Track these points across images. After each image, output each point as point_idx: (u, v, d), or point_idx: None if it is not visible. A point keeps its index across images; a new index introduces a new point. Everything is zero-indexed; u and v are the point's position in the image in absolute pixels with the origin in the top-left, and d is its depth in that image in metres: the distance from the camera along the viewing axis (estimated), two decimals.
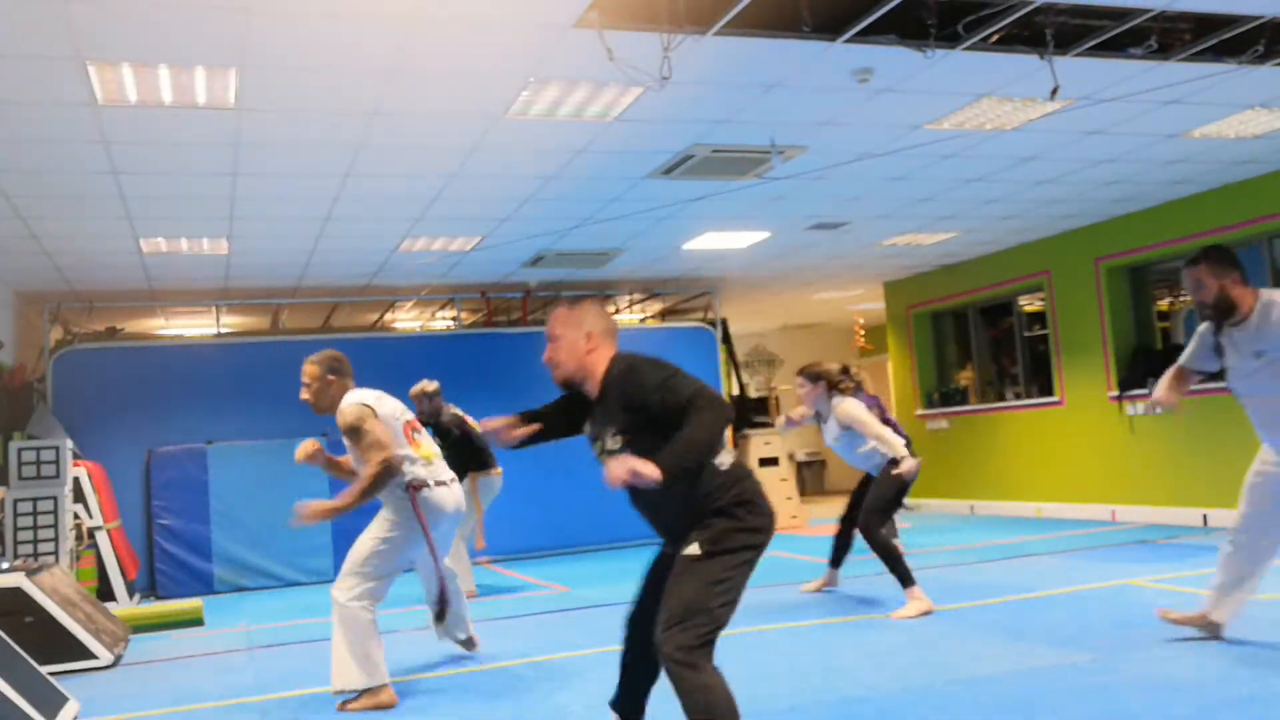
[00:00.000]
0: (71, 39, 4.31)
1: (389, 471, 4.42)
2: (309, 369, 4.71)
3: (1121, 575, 6.52)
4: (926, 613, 5.66)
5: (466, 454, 7.33)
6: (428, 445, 4.92)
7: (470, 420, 7.64)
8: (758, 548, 2.96)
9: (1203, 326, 4.44)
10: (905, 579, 5.82)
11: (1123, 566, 6.90)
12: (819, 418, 6.48)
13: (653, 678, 3.36)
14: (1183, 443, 9.02)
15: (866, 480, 6.56)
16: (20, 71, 4.62)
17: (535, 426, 3.25)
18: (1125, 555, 7.47)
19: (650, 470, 2.72)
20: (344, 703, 4.45)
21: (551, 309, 3.17)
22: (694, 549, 2.89)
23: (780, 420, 6.80)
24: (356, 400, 4.61)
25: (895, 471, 6.10)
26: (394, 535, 4.60)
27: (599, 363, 3.11)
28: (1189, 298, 4.25)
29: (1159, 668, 4.17)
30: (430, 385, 7.50)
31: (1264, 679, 3.87)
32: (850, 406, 6.21)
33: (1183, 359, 4.53)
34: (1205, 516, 8.80)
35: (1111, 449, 9.84)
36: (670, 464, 2.76)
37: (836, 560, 6.73)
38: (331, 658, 4.45)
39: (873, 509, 6.09)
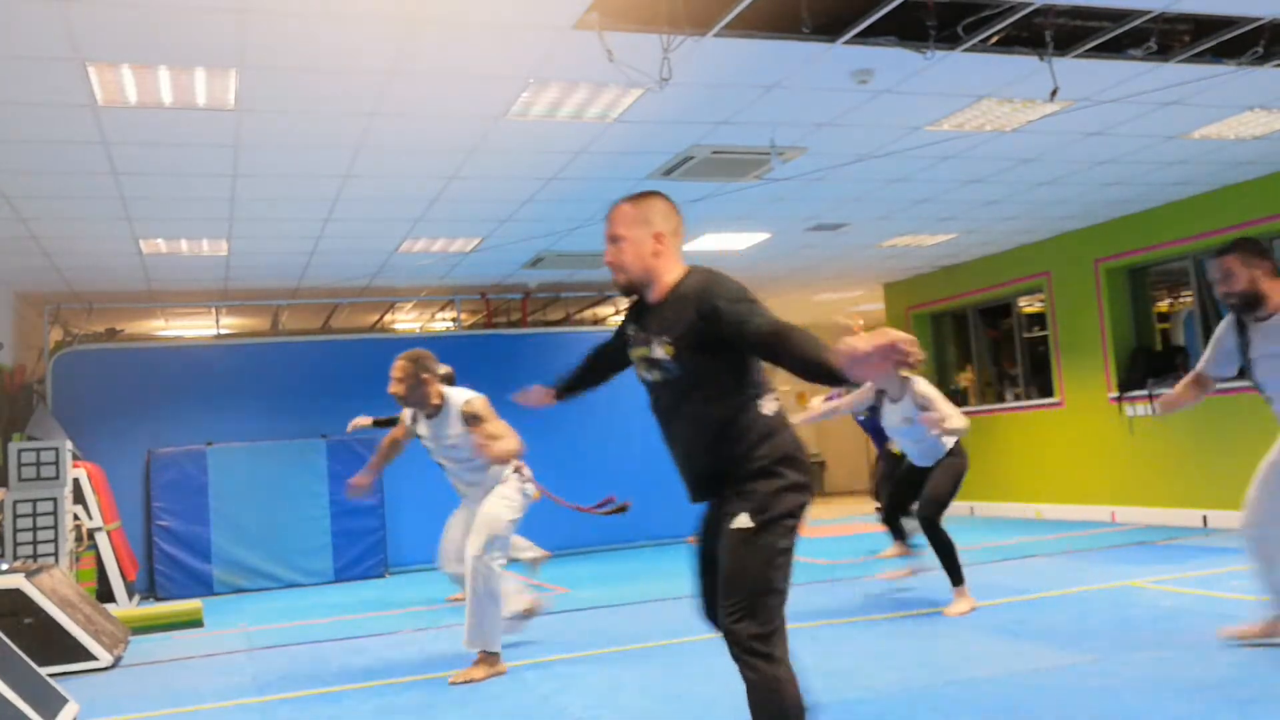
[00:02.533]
0: (71, 40, 4.31)
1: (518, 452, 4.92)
2: (401, 364, 5.18)
3: (1121, 576, 6.52)
4: (970, 610, 5.66)
5: None
6: None
7: None
8: (806, 506, 2.73)
9: (1221, 329, 4.36)
10: (957, 577, 5.78)
11: (1123, 568, 6.90)
12: (880, 400, 6.04)
13: None
14: (1183, 444, 9.02)
15: (905, 472, 6.33)
16: (20, 72, 4.62)
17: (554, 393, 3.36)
18: (1125, 556, 7.47)
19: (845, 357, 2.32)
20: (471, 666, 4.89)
21: (614, 207, 3.02)
22: (743, 520, 2.64)
23: (817, 404, 6.56)
24: (474, 395, 5.23)
25: (951, 459, 5.92)
26: (518, 504, 5.20)
27: (667, 268, 2.85)
28: (1217, 288, 4.20)
29: (1159, 669, 4.17)
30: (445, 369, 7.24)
31: (1265, 680, 3.87)
32: (926, 384, 5.89)
33: (1201, 365, 4.46)
34: (1205, 518, 8.80)
35: (1111, 450, 9.83)
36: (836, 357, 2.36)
37: (900, 533, 6.57)
38: (467, 620, 4.91)
39: (934, 499, 5.86)
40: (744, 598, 2.60)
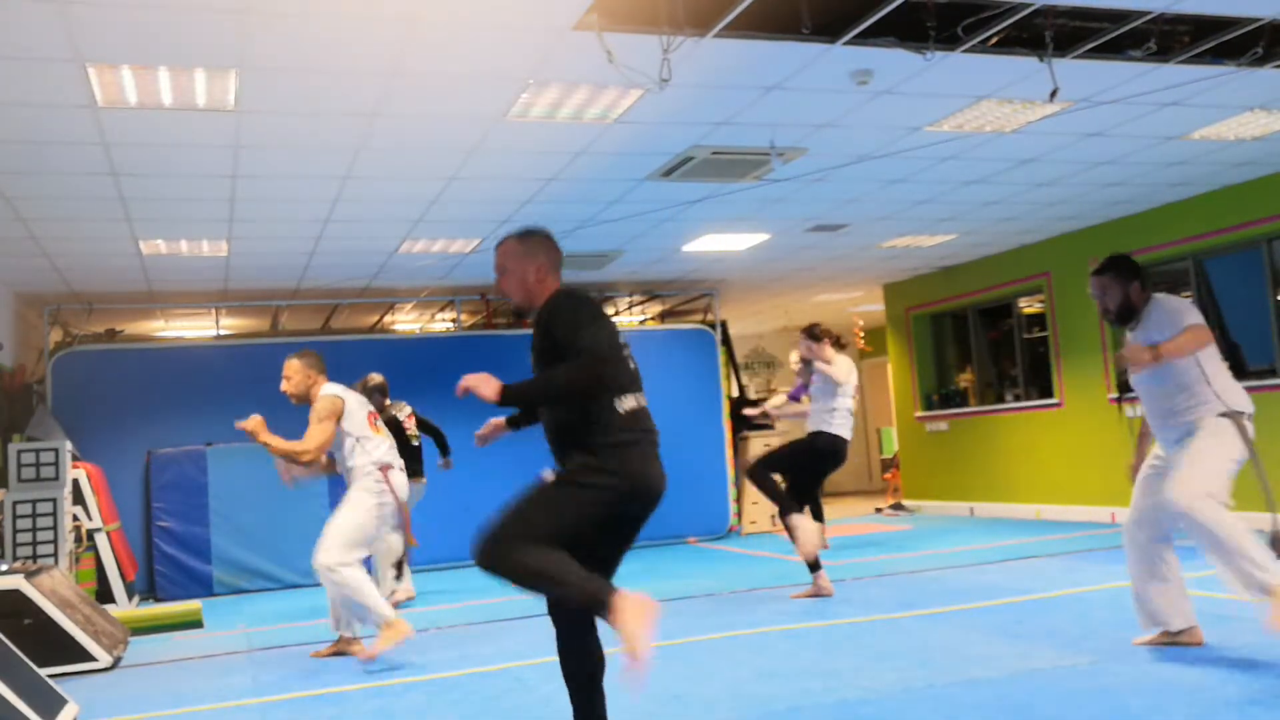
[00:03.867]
0: (71, 41, 4.31)
1: (300, 458, 5.40)
2: (291, 363, 5.71)
3: (1121, 577, 6.50)
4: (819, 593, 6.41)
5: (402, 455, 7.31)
6: (387, 433, 5.86)
7: (412, 424, 7.91)
8: (608, 493, 3.02)
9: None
10: (785, 510, 6.53)
11: (1123, 569, 6.87)
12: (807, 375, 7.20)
13: (599, 676, 3.45)
14: None
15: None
16: (20, 73, 4.62)
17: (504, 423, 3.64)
18: (1125, 557, 7.46)
19: (489, 389, 2.94)
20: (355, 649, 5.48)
21: (501, 243, 3.36)
22: (548, 474, 3.06)
23: (770, 410, 7.34)
24: (332, 392, 5.62)
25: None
26: (374, 509, 5.52)
27: (545, 294, 3.26)
28: (1097, 304, 4.62)
29: (1159, 670, 4.17)
30: (374, 378, 7.52)
31: (1265, 680, 3.87)
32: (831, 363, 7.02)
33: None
34: None
35: (1111, 451, 9.83)
36: (513, 390, 2.98)
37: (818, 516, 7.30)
38: (330, 613, 5.51)
39: (778, 456, 6.89)
40: (497, 519, 3.02)
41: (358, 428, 5.61)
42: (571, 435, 3.09)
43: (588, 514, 3.04)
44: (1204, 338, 4.29)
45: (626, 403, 3.11)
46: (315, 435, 5.43)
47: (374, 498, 5.52)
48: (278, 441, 5.36)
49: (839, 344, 7.07)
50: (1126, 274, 4.46)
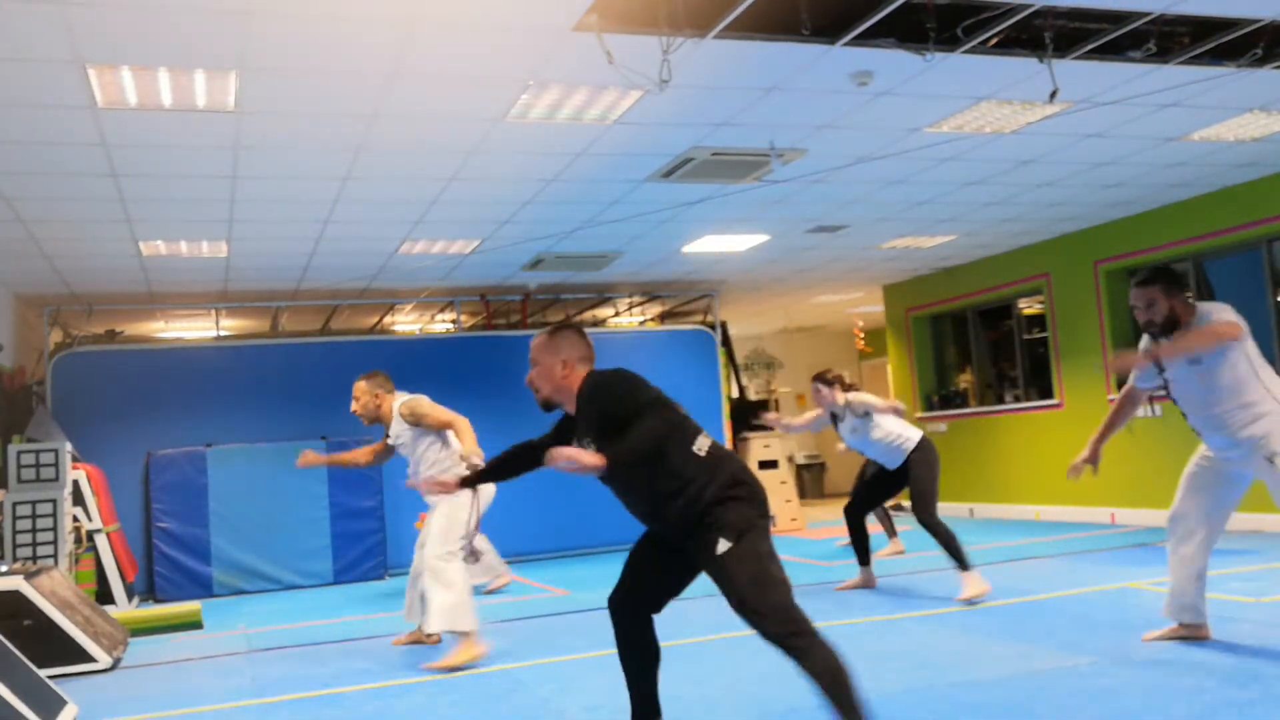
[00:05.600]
0: (71, 42, 4.31)
1: (464, 437, 5.41)
2: (359, 385, 5.85)
3: (1122, 578, 6.52)
4: (984, 593, 6.05)
5: None
6: None
7: None
8: (766, 515, 3.21)
9: (1142, 346, 4.65)
10: (963, 563, 6.17)
11: (1123, 569, 6.90)
12: (835, 420, 6.85)
13: (654, 666, 3.53)
14: (1182, 446, 8.98)
15: (872, 474, 6.94)
16: (20, 74, 4.62)
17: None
18: (1125, 558, 7.47)
19: (593, 460, 2.94)
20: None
21: (538, 332, 3.50)
22: (723, 545, 3.07)
23: (773, 418, 7.22)
24: (410, 396, 5.76)
25: (917, 455, 6.53)
26: (469, 505, 5.52)
27: (575, 385, 3.35)
28: (1138, 315, 4.50)
29: (1160, 670, 4.17)
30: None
31: (1265, 681, 3.87)
32: (860, 395, 6.72)
33: (1131, 380, 4.77)
34: None
35: (1111, 452, 9.75)
36: (614, 454, 2.99)
37: (864, 558, 6.90)
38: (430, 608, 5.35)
39: (920, 498, 6.40)
40: (754, 599, 3.03)
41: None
42: (686, 493, 3.16)
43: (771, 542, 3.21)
44: (1225, 332, 4.19)
45: (703, 443, 3.24)
46: (452, 414, 5.57)
47: (468, 494, 5.47)
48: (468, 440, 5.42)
49: (846, 386, 6.88)
50: (1175, 286, 4.38)
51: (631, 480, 3.24)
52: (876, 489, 6.96)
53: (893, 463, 6.65)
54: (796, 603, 3.04)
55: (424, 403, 5.71)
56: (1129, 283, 10.54)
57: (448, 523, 5.50)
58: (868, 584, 6.86)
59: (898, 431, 6.59)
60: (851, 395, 6.70)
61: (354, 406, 5.85)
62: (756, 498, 3.18)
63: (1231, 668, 4.12)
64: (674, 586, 3.42)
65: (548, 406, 3.44)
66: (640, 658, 3.49)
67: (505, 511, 8.85)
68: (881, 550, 8.43)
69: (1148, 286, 4.41)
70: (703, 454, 3.19)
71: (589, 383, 3.31)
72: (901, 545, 8.64)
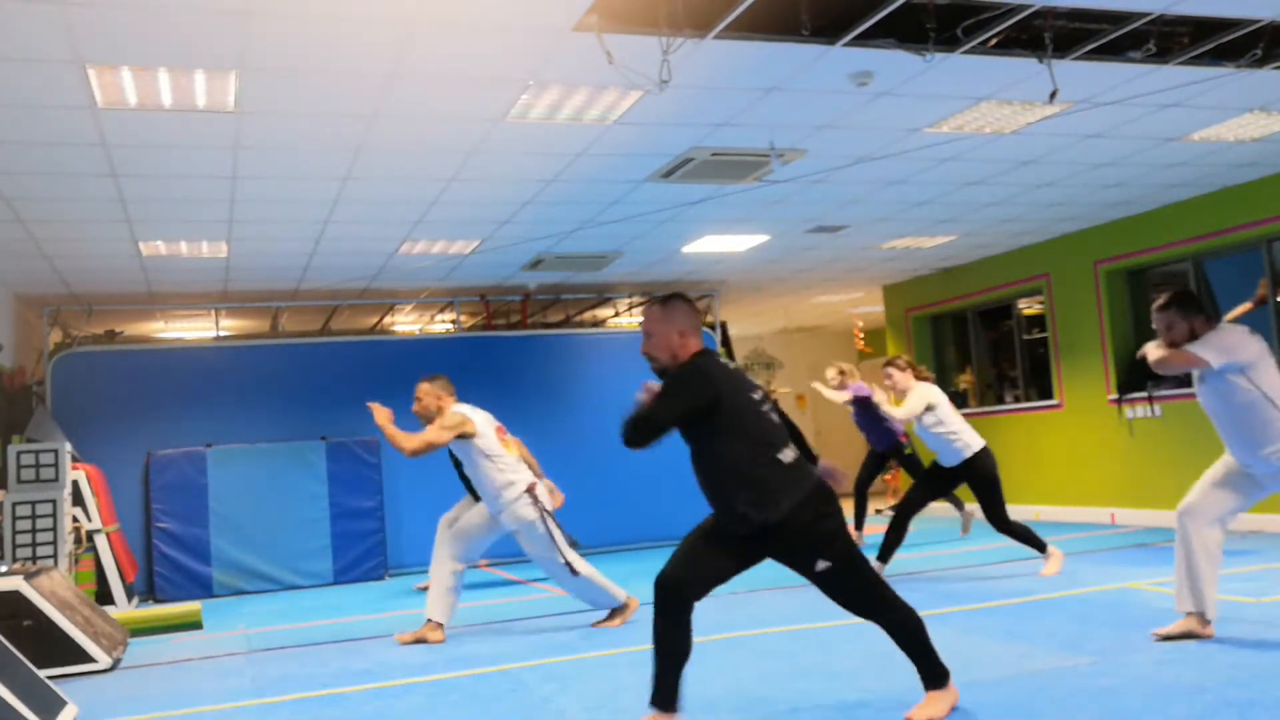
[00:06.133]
0: (71, 42, 4.31)
1: (400, 446, 5.65)
2: (423, 386, 6.02)
3: (1121, 578, 6.52)
4: (1061, 568, 6.68)
5: None
6: (515, 447, 6.13)
7: None
8: (843, 522, 3.62)
9: None
10: (1040, 546, 6.73)
11: (1123, 569, 6.89)
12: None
13: (688, 654, 3.61)
14: (1182, 446, 9.02)
15: (925, 474, 7.30)
16: (20, 74, 4.63)
17: None
18: (1125, 558, 7.47)
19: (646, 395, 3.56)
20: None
21: (645, 307, 3.78)
22: (823, 564, 3.52)
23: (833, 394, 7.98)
24: (462, 410, 5.90)
25: (977, 462, 6.83)
26: (540, 521, 5.93)
27: (688, 355, 3.65)
28: (1161, 336, 4.69)
29: (1160, 671, 4.17)
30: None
31: (1265, 682, 3.86)
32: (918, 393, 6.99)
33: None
34: None
35: (1111, 452, 9.83)
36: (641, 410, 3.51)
37: (885, 555, 6.98)
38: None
39: (990, 511, 6.74)
40: (867, 598, 3.62)
41: (491, 445, 5.87)
42: (762, 493, 3.50)
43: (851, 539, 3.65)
44: (1189, 360, 4.48)
45: (787, 454, 3.56)
46: (427, 436, 5.71)
47: (534, 513, 5.88)
48: (392, 429, 5.67)
49: (919, 375, 7.13)
50: (1190, 309, 4.60)
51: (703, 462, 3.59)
52: (932, 486, 7.19)
53: (948, 460, 6.90)
54: (882, 582, 3.70)
55: (443, 416, 5.86)
56: (1129, 283, 10.59)
57: (557, 538, 5.98)
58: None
59: (958, 431, 6.84)
60: (907, 390, 6.97)
61: (415, 407, 5.99)
62: (834, 511, 3.57)
63: (1231, 668, 4.12)
64: (727, 574, 3.65)
65: (663, 374, 3.66)
66: (681, 639, 3.59)
67: None
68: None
69: (1165, 311, 4.63)
70: (786, 462, 3.51)
71: (685, 364, 3.61)
72: (862, 540, 8.81)
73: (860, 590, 3.60)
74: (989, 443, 7.02)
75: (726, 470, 3.52)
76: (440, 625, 5.96)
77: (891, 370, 7.04)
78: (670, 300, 3.70)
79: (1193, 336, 4.56)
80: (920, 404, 6.83)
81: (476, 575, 9.25)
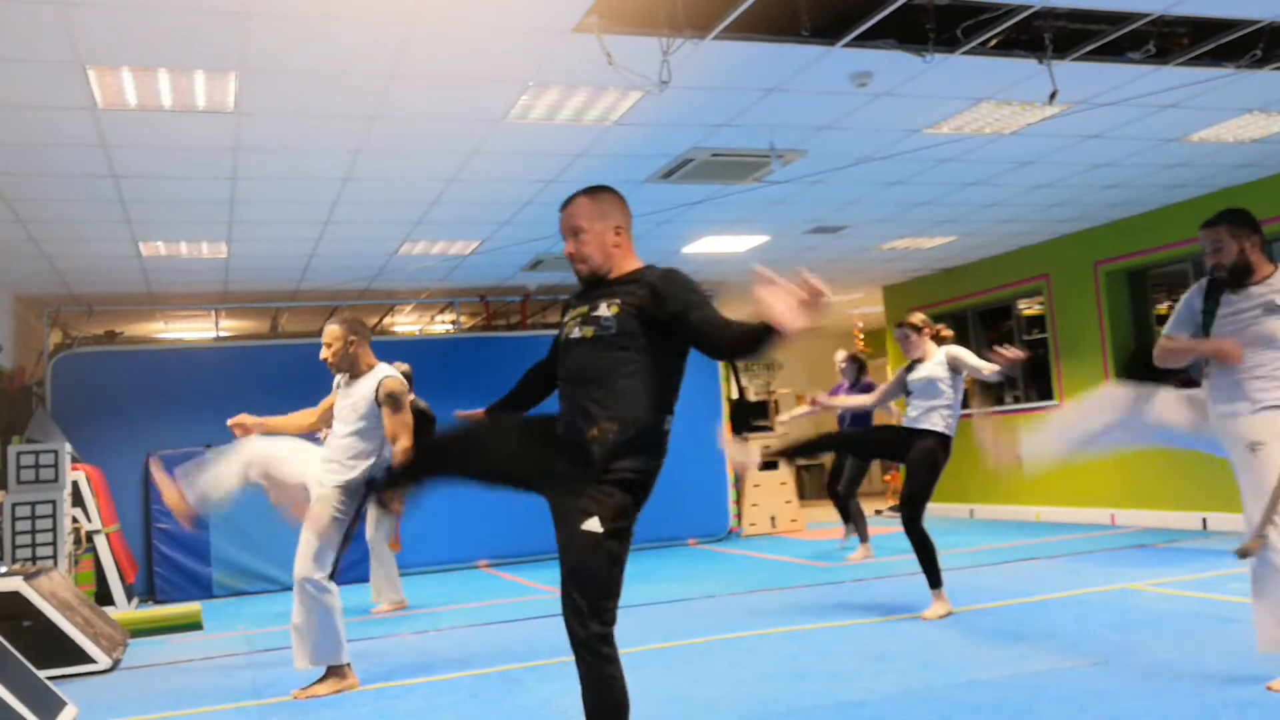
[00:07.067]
0: (71, 43, 4.31)
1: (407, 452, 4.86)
2: (332, 329, 4.99)
3: (1122, 579, 6.52)
4: (947, 614, 5.64)
5: None
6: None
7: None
8: (633, 520, 2.99)
9: (1190, 293, 4.21)
10: (935, 579, 5.73)
11: (1123, 570, 6.90)
12: (909, 370, 6.11)
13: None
14: (1181, 448, 9.01)
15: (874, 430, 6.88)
16: (20, 75, 4.63)
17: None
18: (1125, 559, 7.47)
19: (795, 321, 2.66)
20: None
21: (569, 200, 3.07)
22: (594, 525, 2.88)
23: (823, 398, 6.72)
24: (397, 374, 5.02)
25: (926, 440, 5.86)
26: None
27: (625, 257, 3.03)
28: (1207, 259, 4.06)
29: (1160, 671, 4.17)
30: (402, 367, 6.92)
31: (1264, 681, 3.86)
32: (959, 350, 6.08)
33: (1168, 329, 4.31)
34: (1205, 520, 8.80)
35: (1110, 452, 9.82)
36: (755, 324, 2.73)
37: (863, 536, 6.89)
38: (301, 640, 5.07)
39: (911, 496, 5.85)
40: (591, 600, 2.83)
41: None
42: (620, 431, 2.88)
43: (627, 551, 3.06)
44: (1229, 352, 3.89)
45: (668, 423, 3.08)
46: (403, 437, 4.88)
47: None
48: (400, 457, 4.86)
49: (938, 337, 6.15)
50: (1243, 226, 3.97)
51: (616, 351, 2.90)
52: (872, 445, 6.67)
53: (912, 423, 5.98)
54: (614, 621, 2.91)
55: (392, 393, 4.92)
56: (1129, 284, 10.57)
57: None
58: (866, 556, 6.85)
59: (955, 410, 5.95)
60: (953, 349, 6.00)
61: (324, 353, 5.04)
62: (639, 504, 2.96)
63: (1231, 668, 4.12)
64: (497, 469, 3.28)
65: (594, 279, 3.02)
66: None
67: (502, 512, 8.87)
68: (852, 555, 8.43)
69: (1213, 227, 4.01)
70: (664, 429, 2.97)
71: (661, 270, 2.96)
72: (871, 551, 8.54)
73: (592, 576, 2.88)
74: None
75: (639, 394, 2.88)
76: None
77: (909, 332, 6.07)
78: (600, 191, 3.04)
79: (1243, 261, 3.95)
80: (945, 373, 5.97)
81: (477, 575, 9.25)
